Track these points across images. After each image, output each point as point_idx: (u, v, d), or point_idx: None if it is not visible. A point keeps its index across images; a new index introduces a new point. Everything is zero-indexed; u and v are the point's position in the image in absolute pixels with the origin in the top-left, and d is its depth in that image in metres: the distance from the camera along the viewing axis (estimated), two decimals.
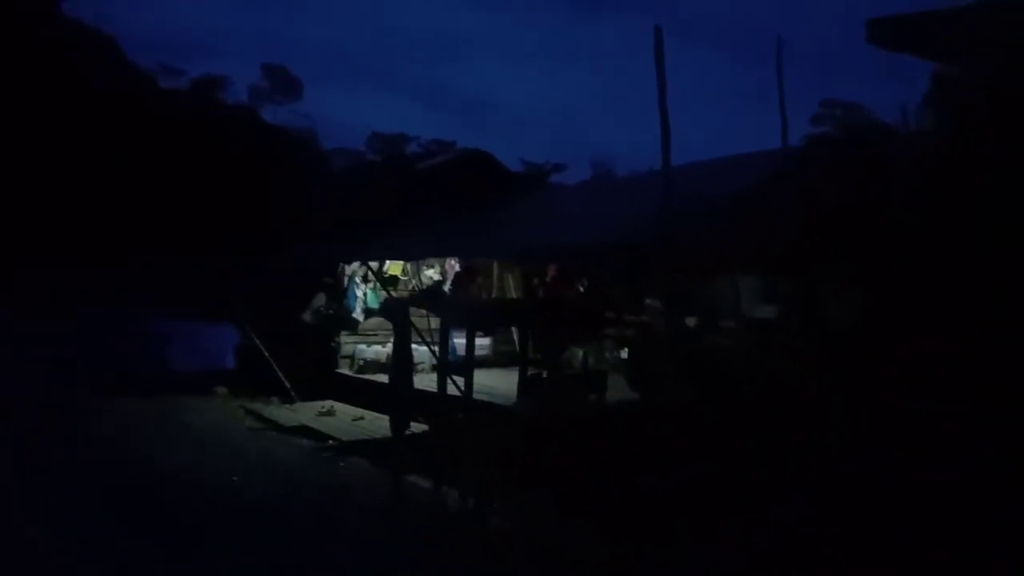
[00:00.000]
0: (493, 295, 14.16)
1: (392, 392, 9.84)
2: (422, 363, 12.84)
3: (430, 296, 11.25)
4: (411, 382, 9.75)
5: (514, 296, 14.04)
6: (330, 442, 9.67)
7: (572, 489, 6.13)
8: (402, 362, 9.72)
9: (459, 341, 13.74)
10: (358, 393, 11.74)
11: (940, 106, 8.52)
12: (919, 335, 6.92)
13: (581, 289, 13.28)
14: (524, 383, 8.80)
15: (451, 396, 9.14)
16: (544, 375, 9.25)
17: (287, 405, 11.83)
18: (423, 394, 9.76)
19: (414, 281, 13.61)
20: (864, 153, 8.76)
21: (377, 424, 10.44)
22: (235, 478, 7.92)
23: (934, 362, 6.57)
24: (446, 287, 13.48)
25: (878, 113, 8.59)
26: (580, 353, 12.48)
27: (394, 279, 13.26)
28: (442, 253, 12.54)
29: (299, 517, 6.84)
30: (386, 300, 10.81)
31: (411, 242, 12.66)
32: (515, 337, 14.02)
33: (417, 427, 9.96)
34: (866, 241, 7.64)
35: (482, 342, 12.68)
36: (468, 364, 8.89)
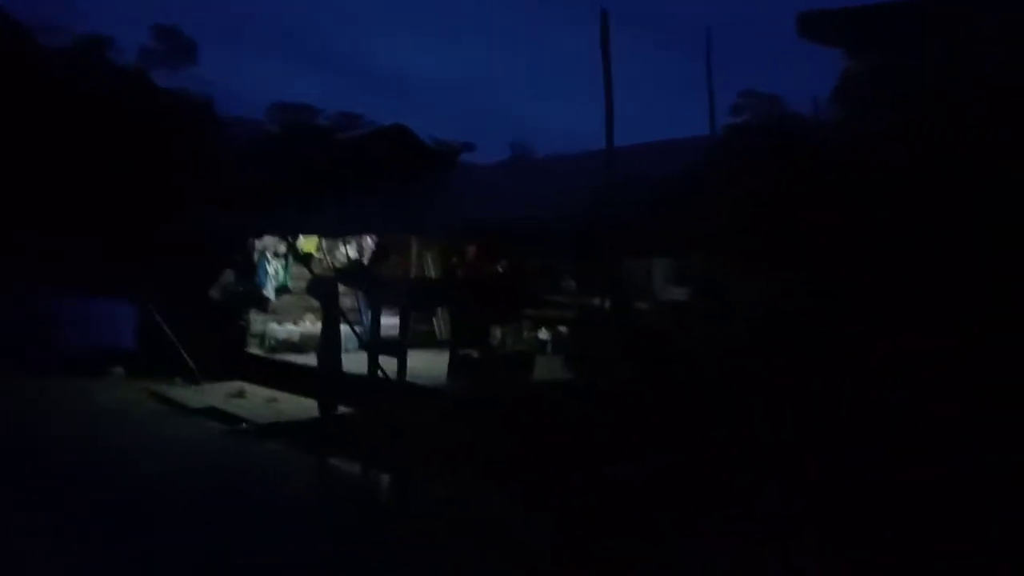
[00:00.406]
0: (412, 274, 13.90)
1: (320, 372, 9.46)
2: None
3: (360, 274, 10.89)
4: (340, 362, 9.41)
5: (432, 275, 13.84)
6: (244, 425, 9.24)
7: (517, 473, 6.07)
8: (330, 341, 9.37)
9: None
10: (270, 374, 11.27)
11: (845, 100, 8.93)
12: (832, 315, 7.26)
13: (500, 269, 13.26)
14: (456, 363, 8.66)
15: (379, 378, 8.89)
16: (475, 355, 9.13)
17: (193, 386, 11.23)
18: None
19: (328, 258, 13.15)
20: (776, 143, 9.09)
21: (293, 406, 10.06)
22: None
23: (848, 342, 6.90)
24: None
25: (795, 105, 8.80)
26: (499, 333, 12.51)
27: (308, 256, 12.76)
28: (362, 230, 12.18)
29: (213, 500, 6.47)
30: (314, 278, 10.39)
31: (328, 217, 12.25)
32: (434, 318, 13.88)
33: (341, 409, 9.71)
34: (775, 226, 7.94)
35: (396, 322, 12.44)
36: (402, 344, 8.63)
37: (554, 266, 13.32)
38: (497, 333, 12.47)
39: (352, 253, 13.02)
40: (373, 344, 8.90)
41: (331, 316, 9.42)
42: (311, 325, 12.53)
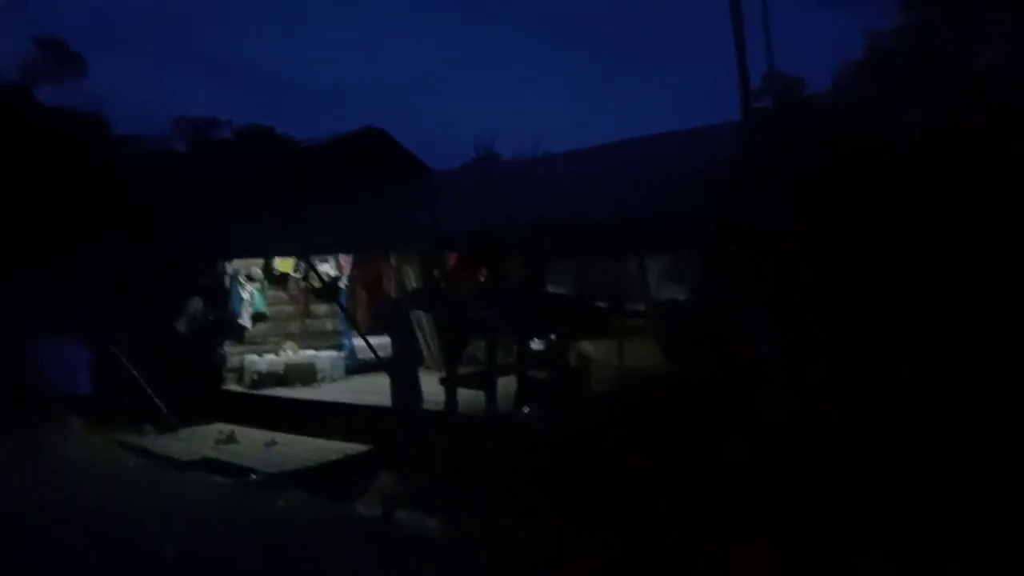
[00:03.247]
0: (392, 288, 12.87)
1: (400, 411, 8.23)
2: (323, 371, 11.39)
3: (435, 295, 9.74)
4: (419, 397, 8.20)
5: (414, 286, 12.84)
6: (253, 476, 8.04)
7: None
8: (406, 375, 8.16)
9: (357, 342, 12.42)
10: (260, 413, 10.02)
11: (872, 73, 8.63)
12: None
13: (481, 278, 12.45)
14: (526, 388, 7.68)
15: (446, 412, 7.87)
16: (541, 379, 8.16)
17: (168, 434, 9.84)
18: (371, 409, 8.40)
19: (306, 278, 11.95)
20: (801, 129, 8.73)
21: (299, 448, 8.91)
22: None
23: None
24: (343, 283, 12.03)
25: (817, 85, 8.46)
26: (483, 346, 11.63)
27: (285, 277, 11.56)
28: (347, 248, 11.06)
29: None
30: (383, 303, 9.18)
31: (303, 234, 11.06)
32: (422, 336, 12.85)
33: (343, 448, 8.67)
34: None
35: (382, 342, 11.39)
36: (491, 374, 7.49)
37: (539, 270, 12.59)
38: (482, 346, 11.66)
39: (331, 271, 11.89)
40: (452, 376, 7.75)
41: (405, 346, 8.19)
42: (294, 354, 11.34)
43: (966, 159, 6.85)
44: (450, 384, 7.64)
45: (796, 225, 7.47)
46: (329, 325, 12.24)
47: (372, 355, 11.31)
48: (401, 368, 8.10)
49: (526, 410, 7.23)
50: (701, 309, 9.78)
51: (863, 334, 6.46)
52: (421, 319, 11.80)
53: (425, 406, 8.31)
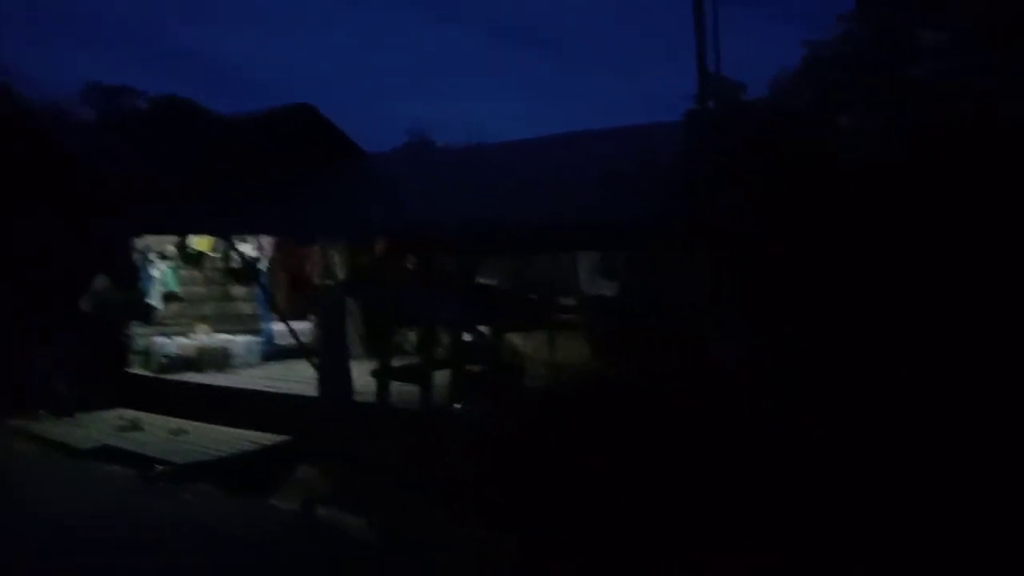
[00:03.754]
0: (317, 274, 12.36)
1: (326, 405, 7.70)
2: (238, 356, 10.84)
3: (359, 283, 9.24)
4: (351, 390, 7.68)
5: (340, 274, 12.37)
6: (157, 467, 7.49)
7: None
8: (336, 366, 7.64)
9: (276, 327, 11.88)
10: (167, 399, 9.41)
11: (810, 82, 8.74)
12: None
13: (410, 267, 12.13)
14: (468, 383, 7.34)
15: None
16: (476, 373, 7.88)
17: (65, 419, 9.13)
18: (290, 398, 7.98)
19: (225, 259, 11.32)
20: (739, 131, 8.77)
21: (210, 438, 8.38)
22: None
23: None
24: (263, 265, 11.47)
25: (756, 90, 8.55)
26: (412, 337, 11.31)
27: (201, 256, 10.92)
28: (270, 230, 10.51)
29: None
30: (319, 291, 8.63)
31: (228, 213, 10.45)
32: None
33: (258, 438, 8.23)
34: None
35: (303, 327, 10.90)
36: (426, 368, 7.16)
37: (472, 262, 12.36)
38: (411, 337, 11.34)
39: (252, 252, 11.31)
40: (385, 368, 7.34)
41: (336, 334, 7.70)
42: (207, 338, 10.73)
43: (899, 163, 6.98)
44: (382, 376, 7.28)
45: (732, 225, 7.49)
46: (247, 308, 11.65)
47: (292, 341, 10.85)
48: (331, 357, 7.66)
49: (458, 406, 6.97)
50: (633, 306, 9.78)
51: (796, 333, 6.52)
52: (352, 307, 11.39)
53: (354, 398, 7.94)
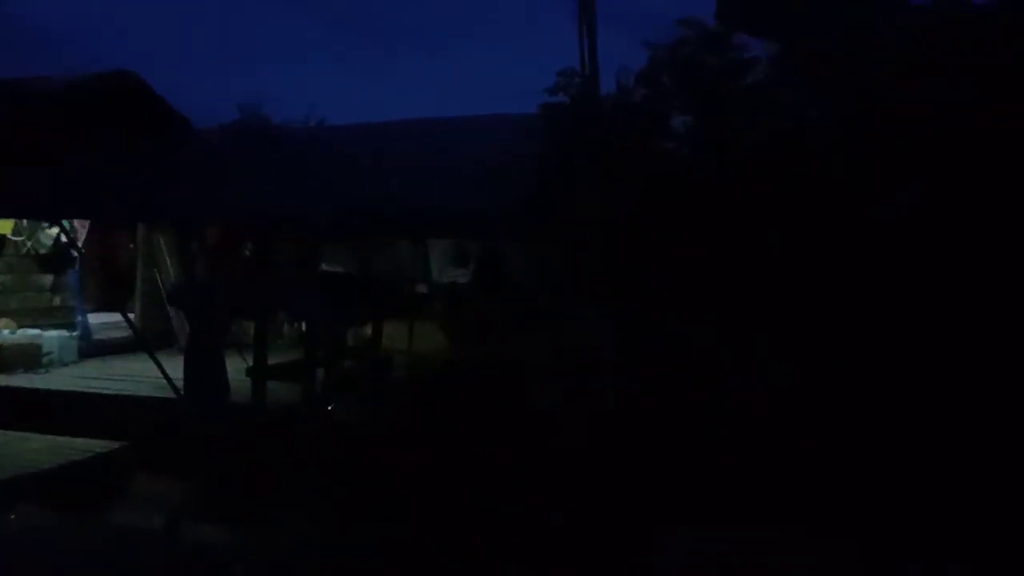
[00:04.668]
0: (138, 260, 11.34)
1: (196, 412, 6.88)
2: (50, 353, 9.76)
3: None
4: (227, 394, 6.91)
5: (168, 262, 11.43)
6: None
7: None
8: (209, 369, 6.83)
9: (93, 320, 10.81)
10: None
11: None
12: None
13: (247, 254, 11.53)
14: (334, 378, 6.97)
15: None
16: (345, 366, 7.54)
17: None
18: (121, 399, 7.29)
19: (30, 243, 10.06)
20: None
21: (28, 447, 7.45)
22: None
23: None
24: (76, 251, 10.33)
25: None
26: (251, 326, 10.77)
27: (2, 241, 9.63)
28: (83, 212, 9.44)
29: None
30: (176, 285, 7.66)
31: (32, 192, 9.25)
32: (174, 314, 11.48)
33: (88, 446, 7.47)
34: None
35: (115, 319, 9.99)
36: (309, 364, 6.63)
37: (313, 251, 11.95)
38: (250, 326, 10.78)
39: (62, 238, 10.14)
40: (260, 368, 6.75)
41: (206, 337, 6.96)
42: (11, 333, 9.54)
43: (729, 165, 7.61)
44: (257, 374, 6.81)
45: (579, 215, 7.80)
46: (57, 300, 10.47)
47: (113, 335, 9.88)
48: (199, 353, 7.02)
49: (331, 407, 6.71)
50: (485, 294, 9.93)
51: (646, 319, 6.94)
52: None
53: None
